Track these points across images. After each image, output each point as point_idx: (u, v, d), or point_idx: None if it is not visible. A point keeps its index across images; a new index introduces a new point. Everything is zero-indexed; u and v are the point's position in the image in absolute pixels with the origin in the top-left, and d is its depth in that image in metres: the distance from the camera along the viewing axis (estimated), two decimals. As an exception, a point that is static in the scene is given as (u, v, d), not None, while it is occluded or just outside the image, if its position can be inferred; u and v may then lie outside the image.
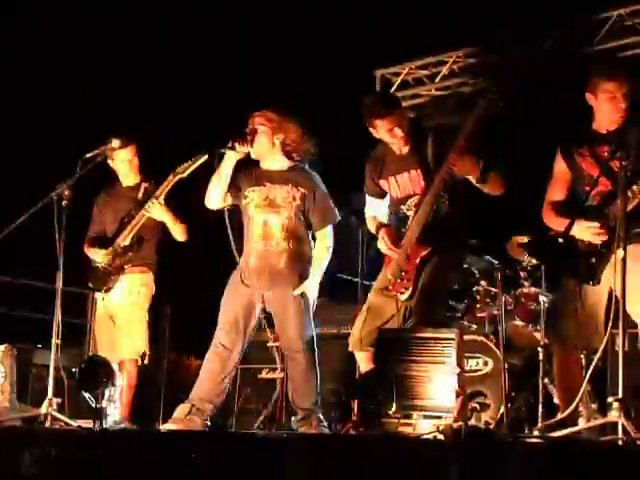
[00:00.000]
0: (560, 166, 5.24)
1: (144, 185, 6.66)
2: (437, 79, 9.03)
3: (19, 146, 9.51)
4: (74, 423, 5.53)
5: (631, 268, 4.45)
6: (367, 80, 9.17)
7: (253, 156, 5.86)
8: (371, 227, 5.91)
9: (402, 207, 5.68)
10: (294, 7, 9.44)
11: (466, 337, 5.92)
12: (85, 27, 9.65)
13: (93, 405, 5.88)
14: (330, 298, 7.76)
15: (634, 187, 4.75)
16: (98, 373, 6.05)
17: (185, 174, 6.37)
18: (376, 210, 5.89)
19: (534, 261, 6.54)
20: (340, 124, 6.51)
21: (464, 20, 8.68)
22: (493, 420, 5.97)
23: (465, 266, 6.52)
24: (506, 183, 5.51)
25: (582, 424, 4.77)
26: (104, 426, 5.77)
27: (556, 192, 5.26)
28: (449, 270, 5.65)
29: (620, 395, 4.25)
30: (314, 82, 9.31)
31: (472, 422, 5.73)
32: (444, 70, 8.94)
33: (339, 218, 5.94)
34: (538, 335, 6.25)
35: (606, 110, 5.04)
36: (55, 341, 5.75)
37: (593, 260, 4.92)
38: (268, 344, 7.40)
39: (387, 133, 5.58)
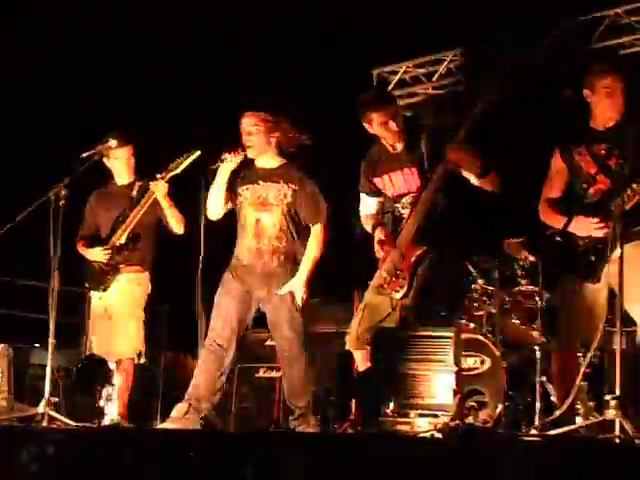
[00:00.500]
0: (558, 164, 5.24)
1: (138, 184, 6.66)
2: (434, 78, 9.03)
3: (15, 146, 9.49)
4: (71, 422, 5.53)
5: (629, 268, 4.46)
6: (364, 79, 9.17)
7: (250, 156, 5.86)
8: (366, 226, 5.90)
9: (397, 205, 5.68)
10: (291, 6, 9.43)
11: (464, 335, 5.92)
12: (82, 27, 9.64)
13: (90, 404, 5.89)
14: (327, 296, 7.77)
15: (634, 185, 4.75)
16: (95, 373, 6.06)
17: (178, 170, 6.37)
18: (371, 208, 5.89)
19: (531, 259, 6.55)
20: (337, 123, 6.50)
21: (461, 19, 8.68)
22: (490, 418, 5.97)
23: (462, 264, 6.51)
24: (501, 181, 5.51)
25: (579, 422, 4.77)
26: (102, 425, 5.77)
27: (553, 190, 5.26)
28: (445, 268, 5.64)
29: (617, 393, 4.26)
30: (311, 81, 9.30)
31: (469, 420, 5.73)
32: (441, 69, 8.94)
33: (328, 217, 5.91)
34: (535, 333, 6.25)
35: (604, 106, 5.04)
36: (51, 341, 5.74)
37: (592, 258, 4.93)
38: (266, 343, 7.41)
39: (381, 127, 5.58)
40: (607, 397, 4.33)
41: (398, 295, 5.51)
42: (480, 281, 6.81)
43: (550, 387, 5.76)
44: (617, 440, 4.14)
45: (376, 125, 5.59)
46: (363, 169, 5.86)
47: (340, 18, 9.39)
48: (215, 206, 5.90)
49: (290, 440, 4.35)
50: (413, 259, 5.50)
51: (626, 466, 3.22)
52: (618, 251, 4.46)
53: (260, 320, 5.98)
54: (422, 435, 4.51)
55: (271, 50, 9.72)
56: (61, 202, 5.79)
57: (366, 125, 5.66)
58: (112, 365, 6.37)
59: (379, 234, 5.65)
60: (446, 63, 8.88)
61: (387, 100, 5.72)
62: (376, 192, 5.82)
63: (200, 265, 5.71)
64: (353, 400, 6.74)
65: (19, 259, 8.43)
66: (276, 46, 9.67)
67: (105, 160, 6.62)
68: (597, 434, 4.51)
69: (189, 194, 6.30)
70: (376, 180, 5.77)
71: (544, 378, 5.79)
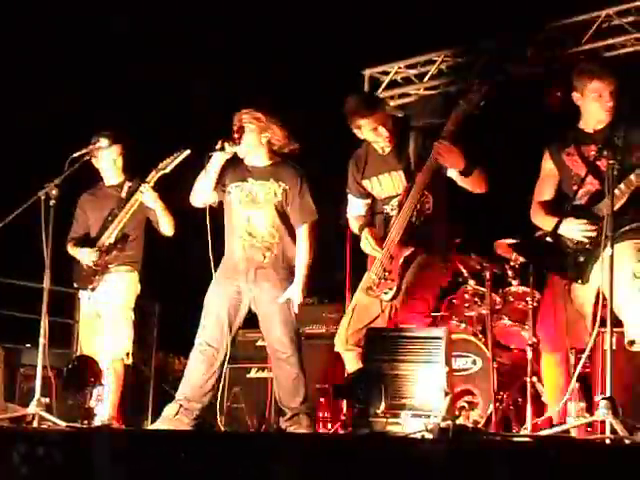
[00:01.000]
0: (548, 166, 5.25)
1: (127, 184, 6.66)
2: (425, 78, 9.03)
3: (5, 146, 9.47)
4: (62, 423, 5.52)
5: (616, 268, 4.46)
6: (355, 79, 9.16)
7: (241, 155, 5.86)
8: (354, 227, 5.91)
9: (385, 207, 5.67)
10: (282, 6, 9.43)
11: (455, 336, 5.94)
12: (70, 26, 9.62)
13: (81, 405, 5.87)
14: (319, 297, 7.78)
15: (621, 185, 4.77)
16: (86, 373, 6.04)
17: (167, 170, 6.39)
18: (358, 210, 5.88)
19: (522, 260, 6.55)
20: (328, 124, 6.50)
21: (453, 19, 8.69)
22: (482, 419, 5.97)
23: (453, 265, 6.51)
24: (488, 182, 5.51)
25: (570, 423, 4.78)
26: (92, 426, 5.76)
27: (544, 192, 5.27)
28: (434, 270, 5.64)
29: (608, 394, 4.26)
30: (302, 82, 9.30)
31: (460, 421, 5.73)
32: (432, 69, 8.94)
33: (316, 217, 5.91)
34: (526, 334, 6.25)
35: (593, 109, 5.06)
36: (42, 341, 5.73)
37: (581, 259, 4.94)
38: (257, 343, 7.41)
39: (371, 132, 5.57)
40: (597, 398, 4.33)
41: (387, 297, 5.50)
42: (471, 282, 6.81)
43: (541, 388, 5.76)
44: (608, 441, 4.15)
45: (366, 131, 5.59)
46: (350, 171, 5.86)
47: (331, 19, 9.39)
48: (202, 193, 5.89)
49: (282, 441, 4.35)
50: (401, 260, 5.50)
51: (616, 467, 3.23)
52: (607, 251, 4.47)
53: (251, 320, 5.97)
54: (413, 436, 4.50)
55: (263, 51, 9.72)
56: (52, 202, 5.78)
57: (355, 130, 5.65)
58: (103, 365, 6.36)
59: (367, 234, 5.65)
60: (437, 64, 8.87)
61: (375, 105, 5.69)
62: (363, 194, 5.82)
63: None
64: (344, 401, 6.75)
65: (10, 259, 8.41)
66: (267, 46, 9.67)
67: (94, 161, 6.62)
68: (588, 435, 4.52)
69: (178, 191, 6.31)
70: (364, 182, 5.77)
71: (535, 379, 5.79)
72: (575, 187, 5.04)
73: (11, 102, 9.40)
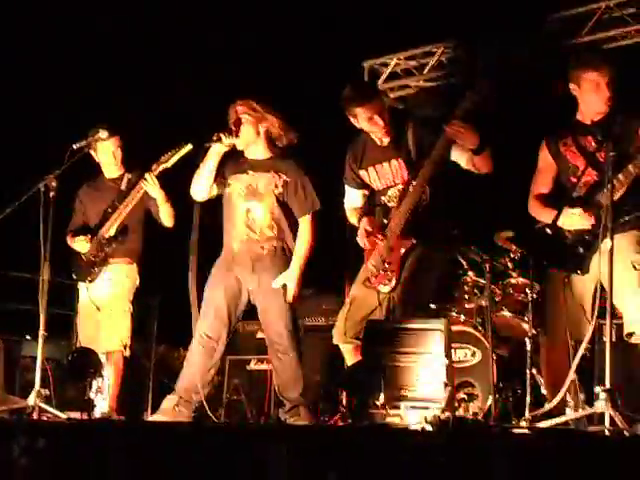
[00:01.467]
0: (545, 158, 5.25)
1: (127, 177, 6.66)
2: (425, 70, 9.02)
3: (3, 137, 9.45)
4: (62, 414, 5.53)
5: (615, 259, 4.46)
6: (355, 71, 9.15)
7: (239, 147, 5.85)
8: (352, 218, 5.90)
9: (383, 198, 5.66)
10: (282, -1, 9.45)
11: (454, 328, 5.93)
12: (68, 17, 9.60)
13: (81, 396, 5.88)
14: (318, 289, 7.78)
15: (620, 176, 4.77)
16: (86, 365, 6.05)
17: (169, 164, 6.38)
18: (356, 201, 5.88)
19: (522, 252, 6.55)
20: (328, 115, 6.49)
21: (452, 11, 8.67)
22: (481, 411, 5.97)
23: (453, 257, 6.51)
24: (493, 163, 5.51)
25: (569, 414, 4.78)
26: (92, 417, 5.77)
27: (542, 184, 5.27)
28: (433, 261, 5.63)
29: (607, 385, 4.26)
30: (302, 73, 9.29)
31: (460, 413, 5.74)
32: (432, 61, 8.93)
33: (319, 206, 5.91)
34: (526, 326, 6.25)
35: (590, 100, 5.05)
36: (42, 332, 5.73)
37: (581, 250, 4.94)
38: (257, 335, 7.41)
39: (367, 121, 5.56)
40: (597, 389, 4.34)
41: (386, 288, 5.50)
42: (470, 273, 6.81)
43: (540, 379, 5.76)
44: (607, 432, 4.15)
45: (362, 120, 5.58)
46: (347, 161, 5.84)
47: (332, 10, 9.38)
48: (202, 187, 5.88)
49: (281, 432, 4.36)
50: (402, 252, 5.49)
51: (616, 458, 3.23)
52: (607, 243, 4.47)
53: (251, 312, 5.97)
54: (412, 427, 4.51)
55: (262, 41, 9.70)
56: (51, 193, 5.78)
57: (352, 119, 5.64)
58: (102, 357, 6.37)
59: (365, 225, 5.64)
60: (437, 55, 8.86)
61: (371, 95, 5.68)
62: (361, 184, 5.81)
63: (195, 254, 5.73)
64: (343, 393, 6.75)
65: (9, 251, 8.41)
66: (266, 37, 9.65)
67: (93, 153, 6.62)
68: (587, 426, 4.52)
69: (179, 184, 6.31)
70: (361, 172, 5.76)
71: (535, 370, 5.79)
72: (574, 179, 5.05)
73: (11, 93, 9.40)
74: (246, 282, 5.82)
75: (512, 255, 6.67)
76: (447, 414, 4.53)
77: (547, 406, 4.99)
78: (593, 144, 4.98)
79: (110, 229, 6.53)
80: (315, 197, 5.87)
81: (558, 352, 5.16)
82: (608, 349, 4.38)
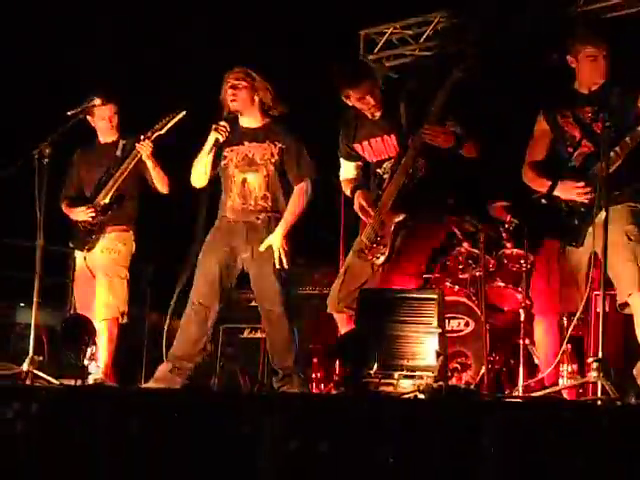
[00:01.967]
0: (542, 127, 5.24)
1: (122, 142, 6.63)
2: (421, 39, 8.98)
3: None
4: (55, 381, 5.54)
5: (610, 230, 4.47)
6: (351, 40, 9.11)
7: (233, 108, 5.83)
8: (346, 190, 5.92)
9: (378, 170, 5.70)
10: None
11: (448, 298, 5.95)
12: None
13: (75, 363, 5.88)
14: (311, 258, 7.77)
15: (616, 148, 4.76)
16: (80, 331, 6.05)
17: (163, 131, 6.37)
18: (350, 173, 5.89)
19: (516, 222, 6.55)
20: (324, 84, 6.47)
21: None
22: (474, 380, 6.00)
23: (447, 228, 6.51)
24: (480, 149, 5.55)
25: (562, 384, 4.80)
26: (85, 384, 5.78)
27: (537, 152, 5.26)
28: (426, 233, 5.67)
29: (600, 356, 4.28)
30: (298, 42, 9.24)
31: (453, 382, 5.76)
32: (428, 30, 8.89)
33: (315, 175, 5.89)
34: (520, 296, 6.27)
35: (588, 72, 5.05)
36: (36, 299, 5.74)
37: (576, 221, 4.95)
38: (250, 303, 7.41)
39: (359, 101, 5.60)
40: (590, 360, 4.35)
41: (379, 261, 5.53)
42: (465, 244, 6.81)
43: (533, 349, 5.78)
44: (599, 402, 4.17)
45: (354, 100, 5.61)
46: (341, 134, 5.87)
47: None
48: (202, 174, 5.89)
49: (274, 400, 4.37)
50: (393, 225, 5.51)
51: (607, 428, 3.25)
52: (602, 214, 4.47)
53: (244, 280, 5.97)
54: (405, 396, 4.53)
55: (259, 11, 9.65)
56: (45, 160, 5.77)
57: (344, 98, 5.66)
58: (97, 324, 6.37)
59: (359, 198, 5.66)
60: (433, 25, 8.81)
61: (363, 76, 5.68)
62: (355, 157, 5.83)
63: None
64: (337, 361, 6.76)
65: (3, 218, 8.39)
66: (261, 6, 9.60)
67: (89, 118, 6.59)
68: (579, 396, 4.54)
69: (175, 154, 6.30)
70: (355, 146, 5.79)
71: (527, 341, 5.81)
72: (570, 149, 5.04)
73: (8, 60, 9.35)
74: (240, 251, 5.82)
75: (506, 225, 6.67)
76: (440, 383, 4.54)
77: (540, 376, 5.02)
78: (590, 114, 4.98)
79: (106, 196, 6.51)
80: (311, 164, 5.85)
81: (551, 323, 5.18)
82: (601, 320, 4.39)
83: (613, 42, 5.05)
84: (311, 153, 5.86)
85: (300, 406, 3.96)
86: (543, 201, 5.01)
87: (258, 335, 7.36)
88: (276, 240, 5.71)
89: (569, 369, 5.22)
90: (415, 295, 5.00)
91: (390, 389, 4.77)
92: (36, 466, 4.15)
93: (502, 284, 6.60)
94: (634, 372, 4.73)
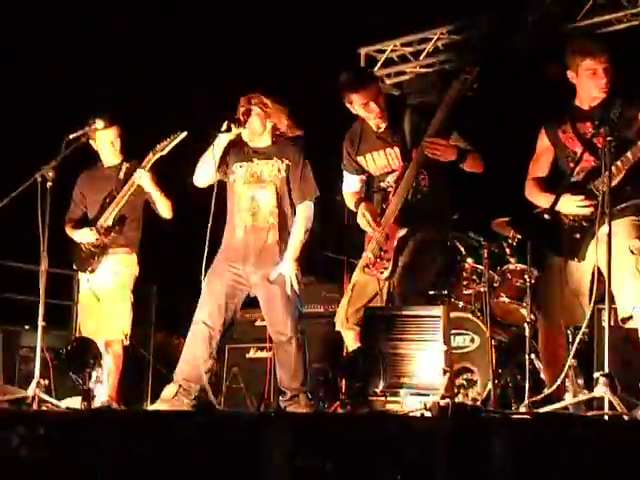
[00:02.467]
0: (543, 143, 5.25)
1: (126, 165, 6.65)
2: (422, 56, 9.01)
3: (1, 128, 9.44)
4: (61, 405, 5.53)
5: (613, 244, 4.46)
6: (351, 58, 9.15)
7: (245, 138, 5.84)
8: (350, 204, 5.92)
9: (381, 184, 5.70)
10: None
11: (453, 314, 5.93)
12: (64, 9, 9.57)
13: (80, 386, 5.88)
14: (318, 277, 7.77)
15: (618, 162, 4.77)
16: (85, 354, 6.05)
17: (165, 152, 6.40)
18: (353, 186, 5.89)
19: (520, 237, 6.55)
20: (324, 102, 6.49)
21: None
22: (480, 397, 5.98)
23: (450, 243, 6.52)
24: (482, 162, 5.56)
25: (568, 400, 4.79)
26: (92, 407, 5.77)
27: (539, 168, 5.27)
28: (431, 247, 5.66)
29: (606, 370, 4.27)
30: (298, 61, 9.27)
31: (459, 399, 5.75)
32: (428, 47, 8.92)
33: (318, 194, 5.89)
34: (524, 311, 6.26)
35: (588, 87, 5.05)
36: (41, 323, 5.73)
37: (578, 236, 4.95)
38: (256, 323, 7.41)
39: (363, 107, 5.59)
40: (596, 374, 4.34)
41: (384, 275, 5.52)
42: (469, 260, 6.80)
43: (539, 364, 5.77)
44: (606, 417, 4.16)
45: (357, 106, 5.61)
46: (345, 147, 5.88)
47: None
48: (204, 173, 5.88)
49: (280, 420, 4.36)
50: (397, 239, 5.51)
51: (615, 443, 3.24)
52: (604, 229, 4.47)
53: (250, 300, 5.96)
54: (412, 414, 4.52)
55: (260, 31, 9.68)
56: (49, 184, 5.78)
57: (348, 106, 5.67)
58: (102, 347, 6.37)
59: (363, 210, 5.65)
60: (433, 41, 8.86)
61: (367, 81, 5.70)
62: (359, 170, 5.84)
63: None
64: (343, 380, 6.75)
65: (8, 241, 8.41)
66: (265, 27, 9.63)
67: (92, 142, 6.61)
68: (586, 411, 4.53)
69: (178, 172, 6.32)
70: (359, 159, 5.79)
71: (533, 356, 5.80)
72: (571, 164, 5.05)
73: (10, 85, 9.38)
74: (247, 275, 5.80)
75: (510, 241, 6.67)
76: (446, 400, 4.53)
77: (546, 391, 5.00)
78: (591, 130, 4.98)
79: (109, 219, 6.52)
80: (314, 184, 5.85)
81: (556, 338, 5.17)
82: (607, 334, 4.38)
83: (614, 55, 5.06)
84: (316, 172, 5.87)
85: (306, 425, 3.96)
86: (546, 216, 5.00)
87: (264, 354, 7.36)
88: (287, 267, 5.69)
89: (575, 384, 5.20)
90: (420, 312, 5.00)
91: (396, 407, 4.76)
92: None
93: (507, 299, 6.59)
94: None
